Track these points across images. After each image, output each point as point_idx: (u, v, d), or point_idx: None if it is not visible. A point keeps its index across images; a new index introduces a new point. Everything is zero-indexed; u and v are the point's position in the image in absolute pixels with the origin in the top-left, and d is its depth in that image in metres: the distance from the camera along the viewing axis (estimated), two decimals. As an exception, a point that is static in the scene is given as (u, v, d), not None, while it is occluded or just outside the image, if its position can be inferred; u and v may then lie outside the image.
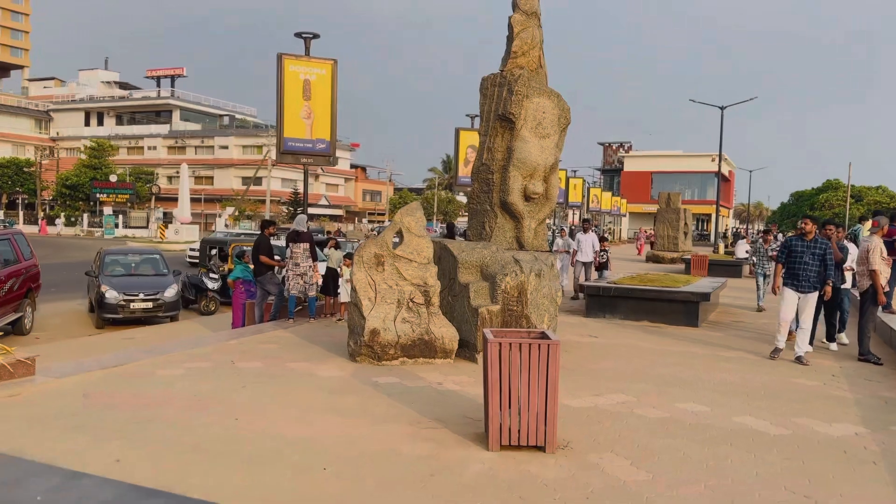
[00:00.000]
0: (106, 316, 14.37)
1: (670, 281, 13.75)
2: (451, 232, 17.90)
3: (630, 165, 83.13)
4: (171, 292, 14.81)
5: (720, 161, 35.01)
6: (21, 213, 67.36)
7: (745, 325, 12.81)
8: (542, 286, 8.79)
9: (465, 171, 27.51)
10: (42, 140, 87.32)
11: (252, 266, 11.73)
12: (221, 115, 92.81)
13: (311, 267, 11.10)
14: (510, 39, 9.23)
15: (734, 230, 73.44)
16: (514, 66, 9.20)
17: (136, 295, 14.45)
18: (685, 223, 33.98)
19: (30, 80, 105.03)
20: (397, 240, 8.52)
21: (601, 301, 12.92)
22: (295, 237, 11.18)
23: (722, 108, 33.63)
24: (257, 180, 66.31)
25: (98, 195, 61.46)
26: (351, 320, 8.38)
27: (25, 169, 68.80)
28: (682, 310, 12.31)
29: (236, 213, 60.22)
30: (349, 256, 11.09)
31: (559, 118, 9.38)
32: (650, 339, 10.76)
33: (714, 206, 79.37)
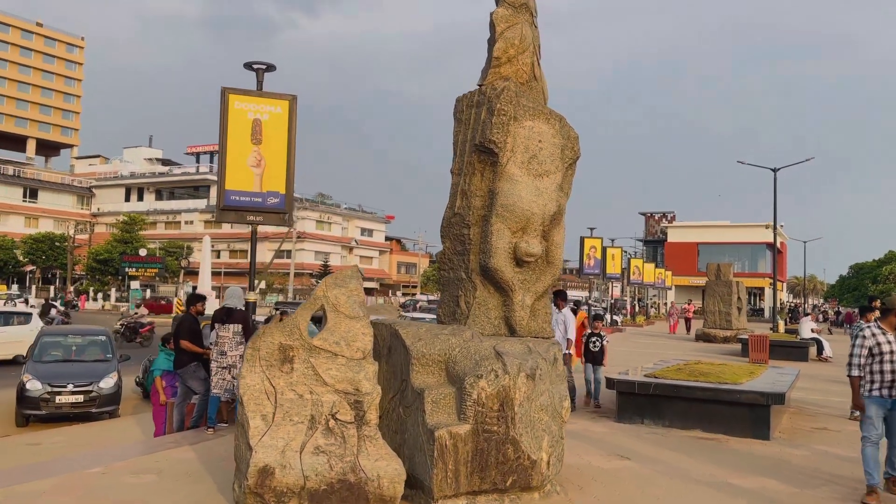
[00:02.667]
0: (27, 412, 11.77)
1: (728, 373, 10.57)
2: None
3: (674, 236, 79.49)
4: (108, 382, 12.16)
5: (775, 229, 31.64)
6: (52, 288, 66.81)
7: (834, 436, 9.50)
8: (539, 393, 5.85)
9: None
10: (83, 215, 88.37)
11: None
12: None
13: (242, 357, 8.35)
14: (492, 43, 6.63)
15: (790, 305, 68.61)
16: (497, 77, 6.55)
17: (64, 386, 11.84)
18: (738, 297, 30.46)
19: (77, 157, 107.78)
20: (317, 324, 5.76)
21: (637, 402, 9.79)
22: (224, 317, 8.49)
23: (774, 171, 30.50)
24: (290, 252, 64.87)
25: (127, 269, 60.61)
26: (237, 450, 5.52)
27: (58, 244, 68.75)
28: (748, 415, 9.12)
29: (263, 286, 58.38)
30: None
31: (563, 150, 6.63)
32: (705, 464, 7.59)
33: (766, 280, 75.03)
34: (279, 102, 9.81)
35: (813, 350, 22.95)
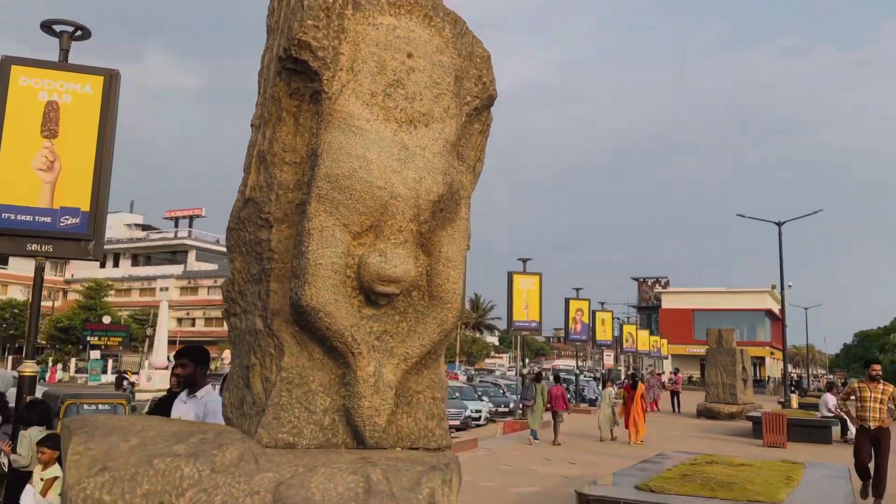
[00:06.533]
0: None
1: (759, 481, 7.12)
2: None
3: (668, 302, 76.24)
4: None
5: (783, 291, 28.45)
6: (10, 358, 62.67)
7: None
8: None
9: (521, 315, 21.74)
10: (55, 282, 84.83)
11: None
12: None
13: None
14: None
15: (795, 377, 64.87)
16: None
17: None
18: (743, 367, 27.14)
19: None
20: None
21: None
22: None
23: (779, 224, 27.53)
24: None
25: (88, 338, 56.86)
26: None
27: (17, 311, 65.13)
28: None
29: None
30: (49, 441, 4.90)
31: (458, 78, 3.39)
32: None
33: (765, 348, 71.19)
34: (90, 79, 6.64)
35: (836, 430, 19.59)
